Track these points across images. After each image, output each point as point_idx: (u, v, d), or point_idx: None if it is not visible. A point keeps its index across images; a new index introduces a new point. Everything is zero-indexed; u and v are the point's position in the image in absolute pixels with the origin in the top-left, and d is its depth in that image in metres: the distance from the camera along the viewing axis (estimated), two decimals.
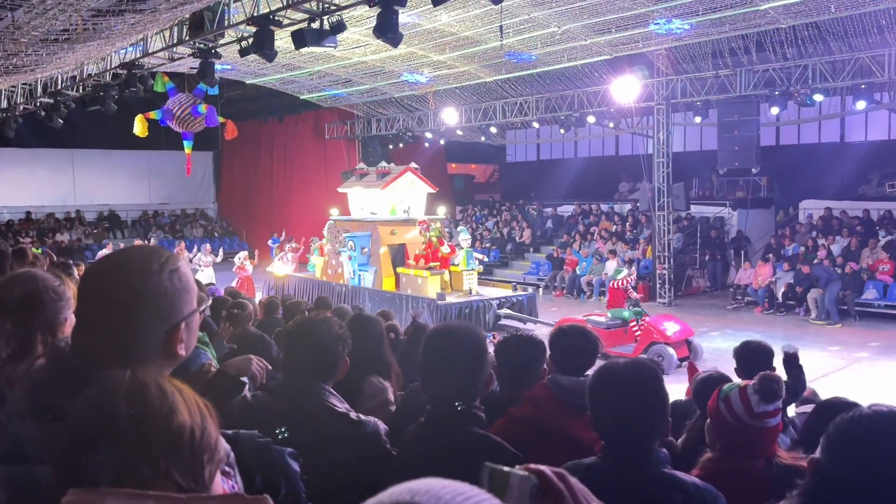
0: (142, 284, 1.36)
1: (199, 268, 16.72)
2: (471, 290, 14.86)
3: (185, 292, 1.41)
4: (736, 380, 2.93)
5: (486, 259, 18.70)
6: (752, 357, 3.88)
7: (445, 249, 15.13)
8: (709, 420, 2.52)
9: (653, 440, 2.06)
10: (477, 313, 13.97)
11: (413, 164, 16.77)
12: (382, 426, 2.51)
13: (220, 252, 19.28)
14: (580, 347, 3.00)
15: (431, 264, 14.87)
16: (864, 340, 13.19)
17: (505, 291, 15.60)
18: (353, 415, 2.44)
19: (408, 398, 3.45)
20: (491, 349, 2.71)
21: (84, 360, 1.34)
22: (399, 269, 15.49)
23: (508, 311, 14.09)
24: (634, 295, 12.18)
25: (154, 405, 1.09)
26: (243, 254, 17.13)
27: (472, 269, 15.18)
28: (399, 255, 15.79)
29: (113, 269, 1.40)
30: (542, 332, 11.13)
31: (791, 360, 4.30)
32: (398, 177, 16.15)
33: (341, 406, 2.45)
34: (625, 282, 12.00)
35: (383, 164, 17.09)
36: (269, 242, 19.36)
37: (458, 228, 16.34)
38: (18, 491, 1.21)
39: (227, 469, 1.35)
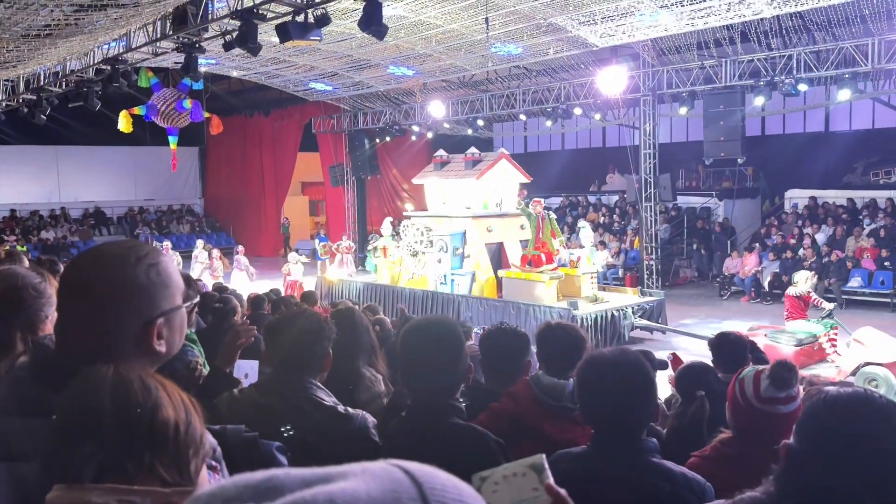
0: (117, 277, 1.34)
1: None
2: (596, 296, 12.75)
3: (165, 287, 1.39)
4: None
5: (610, 259, 16.81)
6: (730, 349, 3.87)
7: (556, 244, 12.89)
8: (727, 402, 2.55)
9: (641, 427, 2.09)
10: (612, 324, 11.91)
11: (503, 150, 14.82)
12: (371, 419, 2.51)
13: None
14: (566, 345, 2.97)
15: (545, 266, 12.47)
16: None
17: (632, 297, 13.24)
18: (340, 408, 2.44)
19: (397, 396, 3.45)
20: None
21: (67, 357, 1.34)
22: (501, 272, 13.18)
23: (647, 322, 12.26)
24: (826, 305, 9.91)
25: (138, 400, 1.09)
26: (293, 256, 15.51)
27: (594, 273, 13.23)
28: (496, 256, 13.65)
29: (90, 263, 1.39)
30: (683, 343, 10.12)
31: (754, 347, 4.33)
32: (493, 165, 14.01)
33: (328, 400, 2.45)
34: (805, 285, 9.64)
35: (473, 150, 14.77)
36: (317, 241, 17.83)
37: (580, 224, 14.45)
38: (4, 487, 1.20)
39: (214, 464, 1.35)
